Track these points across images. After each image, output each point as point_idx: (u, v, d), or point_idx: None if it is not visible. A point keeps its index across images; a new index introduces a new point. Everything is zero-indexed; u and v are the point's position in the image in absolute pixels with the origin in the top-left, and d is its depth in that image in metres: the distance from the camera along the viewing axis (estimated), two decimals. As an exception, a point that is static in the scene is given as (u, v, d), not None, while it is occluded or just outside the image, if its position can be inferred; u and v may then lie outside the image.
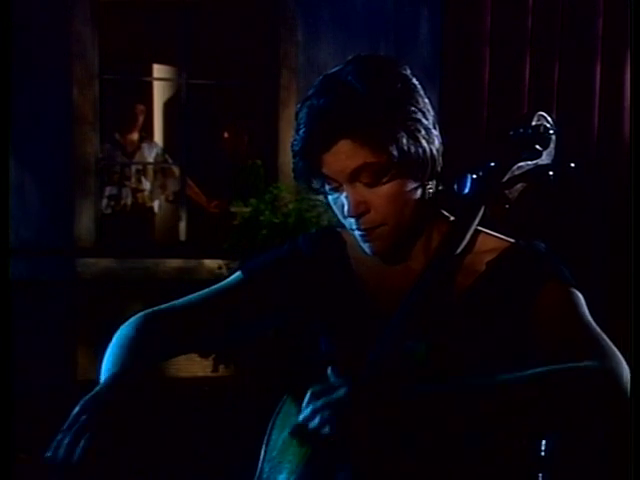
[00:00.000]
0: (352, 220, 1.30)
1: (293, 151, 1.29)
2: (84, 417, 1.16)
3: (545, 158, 1.34)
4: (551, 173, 1.32)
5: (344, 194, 1.29)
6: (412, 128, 1.24)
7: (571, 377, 1.14)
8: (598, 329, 1.24)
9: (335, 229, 1.51)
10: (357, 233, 1.33)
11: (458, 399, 1.12)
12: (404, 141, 1.23)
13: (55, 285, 4.29)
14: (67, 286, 4.32)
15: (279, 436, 1.28)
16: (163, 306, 1.44)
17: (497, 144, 1.35)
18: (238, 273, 1.47)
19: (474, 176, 1.29)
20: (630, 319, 1.27)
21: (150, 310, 1.43)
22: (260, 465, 1.30)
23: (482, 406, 1.12)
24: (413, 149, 1.24)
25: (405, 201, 1.29)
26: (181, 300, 1.44)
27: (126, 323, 1.40)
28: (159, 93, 6.39)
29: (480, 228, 1.35)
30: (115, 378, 1.24)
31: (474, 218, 1.30)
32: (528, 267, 1.32)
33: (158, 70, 6.07)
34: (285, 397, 1.30)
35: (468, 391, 1.13)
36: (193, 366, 4.29)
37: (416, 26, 4.33)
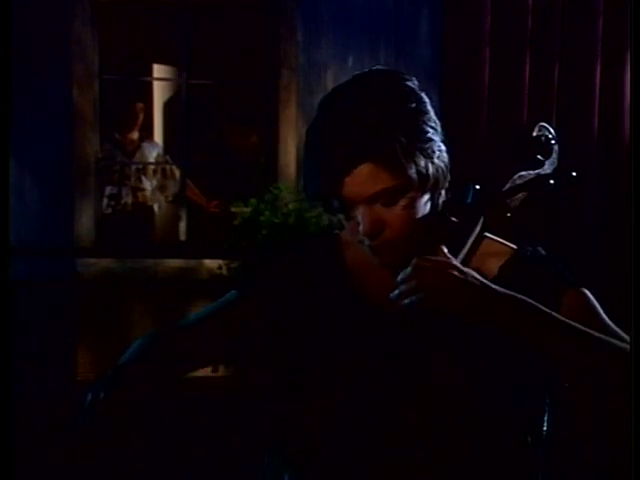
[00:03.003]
0: (365, 237, 1.31)
1: (310, 174, 1.29)
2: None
3: (547, 167, 1.34)
4: (552, 182, 1.32)
5: (359, 212, 1.29)
6: (428, 149, 1.26)
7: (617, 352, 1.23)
8: (614, 325, 1.32)
9: (332, 232, 1.50)
10: (367, 248, 1.33)
11: (526, 308, 1.21)
12: (422, 163, 1.25)
13: (55, 285, 4.29)
14: (67, 286, 4.32)
15: None
16: (169, 328, 1.46)
17: (499, 154, 1.37)
18: (233, 292, 1.47)
19: (476, 186, 1.30)
20: (631, 323, 1.28)
21: (157, 331, 1.45)
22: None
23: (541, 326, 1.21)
24: (431, 170, 1.27)
25: (418, 217, 1.31)
26: (186, 322, 1.46)
27: (135, 342, 1.42)
28: (159, 93, 6.39)
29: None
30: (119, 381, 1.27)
31: (475, 227, 1.31)
32: (543, 275, 1.37)
33: (158, 70, 6.07)
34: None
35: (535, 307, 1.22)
36: (193, 366, 4.28)
37: (416, 26, 4.33)
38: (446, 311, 1.20)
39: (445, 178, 1.32)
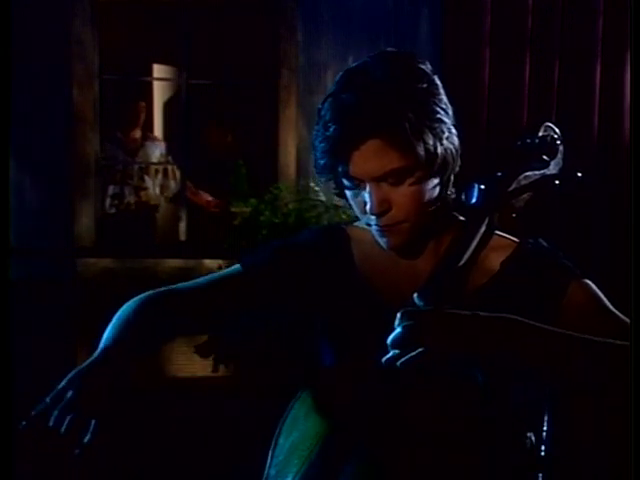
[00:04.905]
0: (372, 217, 1.31)
1: (320, 148, 1.29)
2: (70, 393, 1.18)
3: (552, 168, 1.35)
4: (557, 182, 1.33)
5: (366, 191, 1.30)
6: (437, 129, 1.27)
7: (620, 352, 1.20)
8: (620, 314, 1.32)
9: (339, 225, 1.52)
10: (375, 228, 1.34)
11: (523, 331, 1.18)
12: (430, 142, 1.26)
13: (55, 285, 4.29)
14: (67, 286, 4.32)
15: (286, 440, 1.27)
16: (165, 288, 1.45)
17: (504, 154, 1.37)
18: (237, 266, 1.48)
19: (481, 186, 1.30)
20: (631, 323, 1.28)
21: (153, 292, 1.44)
22: (266, 471, 1.29)
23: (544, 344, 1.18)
24: (439, 149, 1.28)
25: (426, 200, 1.32)
26: (183, 285, 1.45)
27: (129, 302, 1.41)
28: (159, 93, 6.39)
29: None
30: (105, 353, 1.26)
31: (480, 227, 1.31)
32: (545, 268, 1.37)
33: (158, 70, 6.07)
34: (292, 403, 1.30)
35: (533, 326, 1.19)
36: (193, 366, 4.29)
37: (416, 26, 4.33)
38: (446, 358, 1.18)
39: (454, 161, 1.32)
